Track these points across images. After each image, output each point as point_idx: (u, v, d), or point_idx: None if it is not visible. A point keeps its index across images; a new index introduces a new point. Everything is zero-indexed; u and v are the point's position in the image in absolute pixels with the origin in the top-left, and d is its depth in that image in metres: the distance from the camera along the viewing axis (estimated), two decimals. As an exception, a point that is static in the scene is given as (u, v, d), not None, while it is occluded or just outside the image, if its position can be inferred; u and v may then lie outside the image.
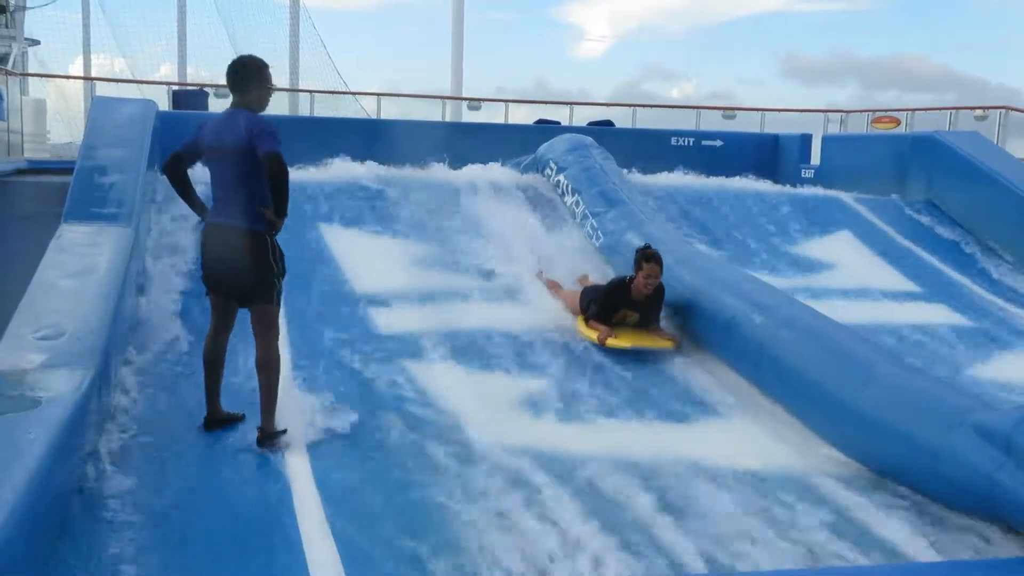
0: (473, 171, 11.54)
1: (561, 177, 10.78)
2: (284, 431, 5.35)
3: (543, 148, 11.65)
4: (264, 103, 5.40)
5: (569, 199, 10.46)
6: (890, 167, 12.84)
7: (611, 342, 7.25)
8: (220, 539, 4.25)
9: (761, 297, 7.27)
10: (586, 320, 7.61)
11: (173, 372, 6.30)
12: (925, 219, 11.67)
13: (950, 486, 4.90)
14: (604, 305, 7.51)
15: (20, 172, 13.38)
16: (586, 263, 9.07)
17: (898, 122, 17.25)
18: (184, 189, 5.54)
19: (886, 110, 18.08)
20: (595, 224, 9.66)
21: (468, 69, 25.44)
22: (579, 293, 7.95)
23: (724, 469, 5.37)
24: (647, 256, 7.46)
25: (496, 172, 11.60)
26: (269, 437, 5.26)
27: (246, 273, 5.28)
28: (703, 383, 6.85)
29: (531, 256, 9.06)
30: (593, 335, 7.37)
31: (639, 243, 8.64)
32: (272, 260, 5.30)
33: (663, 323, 7.70)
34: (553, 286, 8.48)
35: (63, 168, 11.42)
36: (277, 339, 5.45)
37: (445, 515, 4.58)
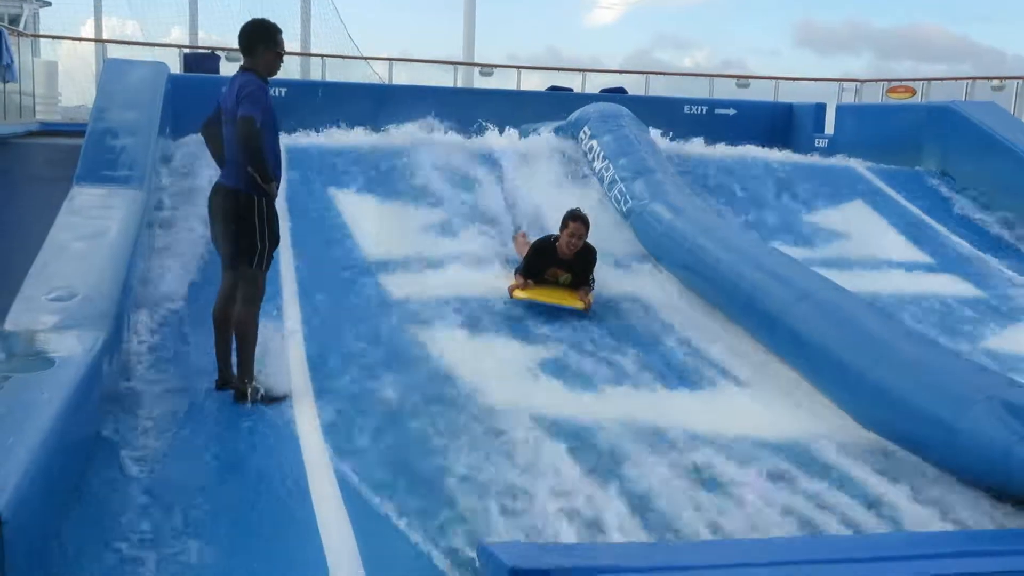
0: (490, 138, 11.48)
1: (594, 143, 10.77)
2: (285, 397, 5.45)
3: (577, 114, 11.62)
4: (274, 68, 5.42)
5: (599, 164, 10.45)
6: (905, 137, 12.77)
7: (517, 293, 7.38)
8: (231, 497, 4.28)
9: (782, 269, 7.27)
10: (516, 272, 7.71)
11: (185, 334, 6.32)
12: (939, 190, 11.62)
13: (965, 458, 4.90)
14: (531, 262, 7.60)
15: (32, 134, 13.40)
16: (610, 230, 9.03)
17: (914, 92, 17.13)
18: (214, 153, 5.62)
19: (902, 80, 17.94)
20: (623, 189, 9.65)
21: (479, 35, 25.31)
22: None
23: (739, 437, 5.38)
24: (573, 215, 7.58)
25: (513, 139, 11.54)
26: (244, 395, 5.39)
27: (230, 232, 5.38)
28: (722, 351, 6.84)
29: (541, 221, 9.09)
30: (510, 283, 7.53)
31: (665, 213, 8.68)
32: (257, 222, 5.32)
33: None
34: (524, 247, 8.45)
35: (75, 130, 11.43)
36: (257, 304, 5.49)
37: (456, 479, 4.59)
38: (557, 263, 7.59)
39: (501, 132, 11.67)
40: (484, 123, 11.85)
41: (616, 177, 9.90)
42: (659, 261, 8.55)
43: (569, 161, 10.87)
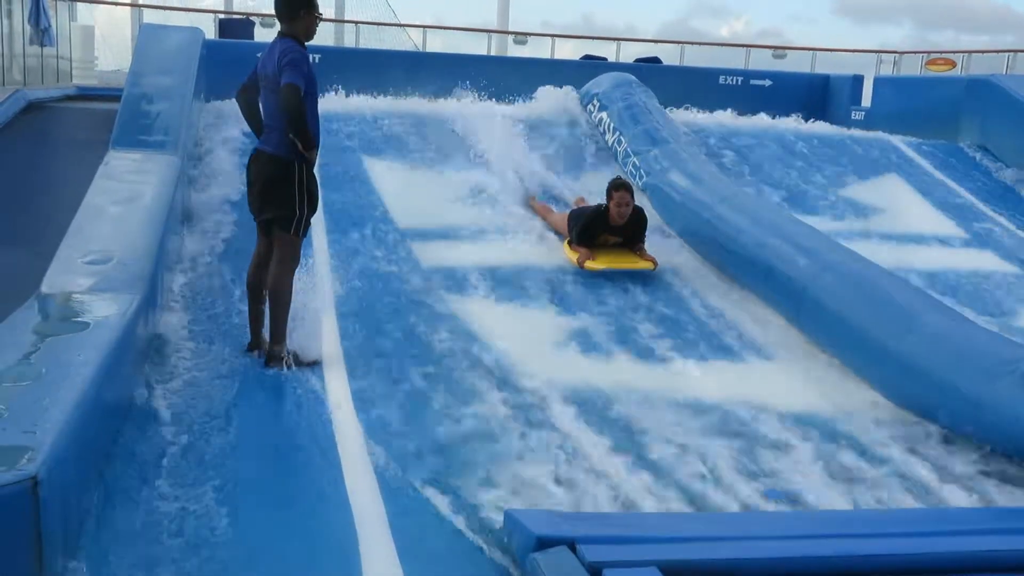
0: (523, 106, 11.46)
1: (603, 115, 10.75)
2: (316, 362, 5.48)
3: (588, 85, 11.62)
4: (311, 32, 5.42)
5: (610, 137, 10.42)
6: (943, 110, 12.60)
7: (589, 264, 7.46)
8: (261, 461, 4.33)
9: (804, 239, 7.21)
10: (570, 244, 7.78)
11: (217, 298, 6.38)
12: (978, 164, 11.47)
13: (991, 432, 4.88)
14: (583, 231, 7.68)
15: (69, 98, 13.51)
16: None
17: (953, 64, 16.87)
18: (249, 118, 5.63)
19: (941, 52, 17.67)
20: (637, 163, 9.60)
21: (514, 2, 25.12)
22: (567, 216, 8.06)
23: (762, 408, 5.38)
24: (616, 185, 7.67)
25: (541, 107, 11.51)
26: (275, 360, 5.43)
27: (269, 198, 5.41)
28: (743, 323, 6.83)
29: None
30: (574, 257, 7.57)
31: (683, 183, 8.68)
32: (297, 189, 5.35)
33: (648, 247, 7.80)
34: (544, 210, 8.63)
35: (111, 95, 11.51)
36: (292, 270, 5.53)
37: (485, 447, 4.62)
38: (608, 230, 7.69)
39: (533, 100, 11.66)
40: (517, 91, 11.83)
41: (629, 150, 9.86)
42: (677, 232, 8.51)
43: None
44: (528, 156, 9.81)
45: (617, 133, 10.28)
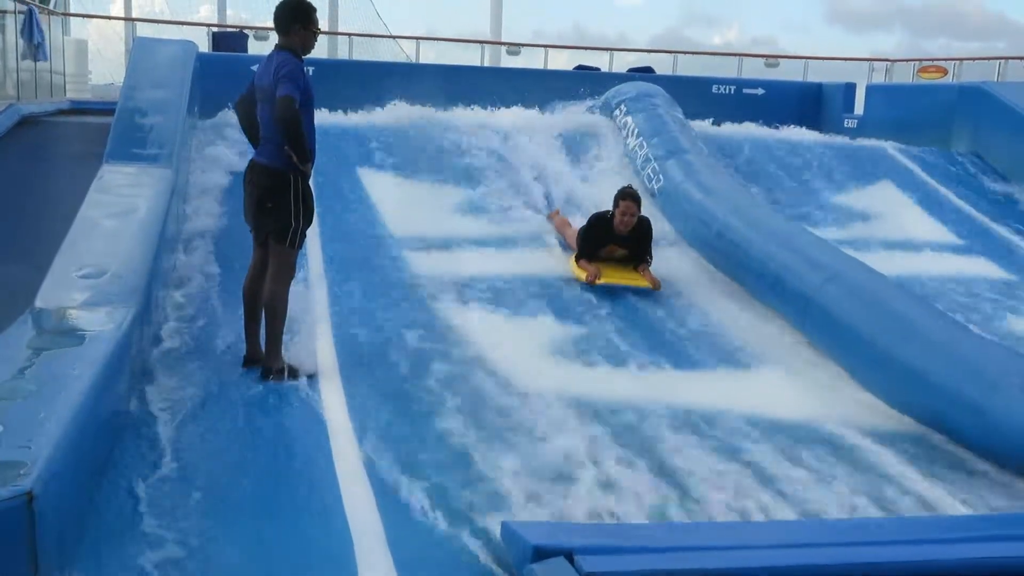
0: (513, 116, 11.48)
1: (628, 119, 10.91)
2: (312, 375, 5.46)
3: (611, 93, 11.81)
4: (309, 46, 5.45)
5: (632, 142, 10.54)
6: (935, 118, 12.65)
7: (599, 282, 7.41)
8: (257, 474, 4.30)
9: (812, 251, 7.25)
10: (577, 259, 7.73)
11: (213, 311, 6.37)
12: (969, 171, 11.51)
13: (995, 441, 4.89)
14: (588, 240, 7.67)
15: (62, 112, 13.51)
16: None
17: (945, 72, 16.95)
18: (247, 129, 5.65)
19: (933, 59, 17.75)
20: (656, 168, 9.70)
21: (505, 11, 25.10)
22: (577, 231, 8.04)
23: (766, 417, 5.38)
24: (623, 194, 7.70)
25: (537, 118, 11.54)
26: (271, 372, 5.41)
27: (264, 210, 5.41)
28: (750, 332, 6.83)
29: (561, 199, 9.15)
30: (582, 275, 7.51)
31: (695, 193, 8.71)
32: (292, 201, 5.35)
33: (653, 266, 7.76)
34: (562, 224, 8.59)
35: (105, 109, 11.49)
36: (287, 281, 5.53)
37: (482, 459, 4.60)
38: (613, 239, 7.68)
39: (529, 111, 11.69)
40: (512, 102, 11.86)
41: (650, 156, 9.95)
42: (687, 241, 8.54)
43: (596, 137, 10.89)
44: (531, 165, 9.86)
45: (640, 139, 10.41)
